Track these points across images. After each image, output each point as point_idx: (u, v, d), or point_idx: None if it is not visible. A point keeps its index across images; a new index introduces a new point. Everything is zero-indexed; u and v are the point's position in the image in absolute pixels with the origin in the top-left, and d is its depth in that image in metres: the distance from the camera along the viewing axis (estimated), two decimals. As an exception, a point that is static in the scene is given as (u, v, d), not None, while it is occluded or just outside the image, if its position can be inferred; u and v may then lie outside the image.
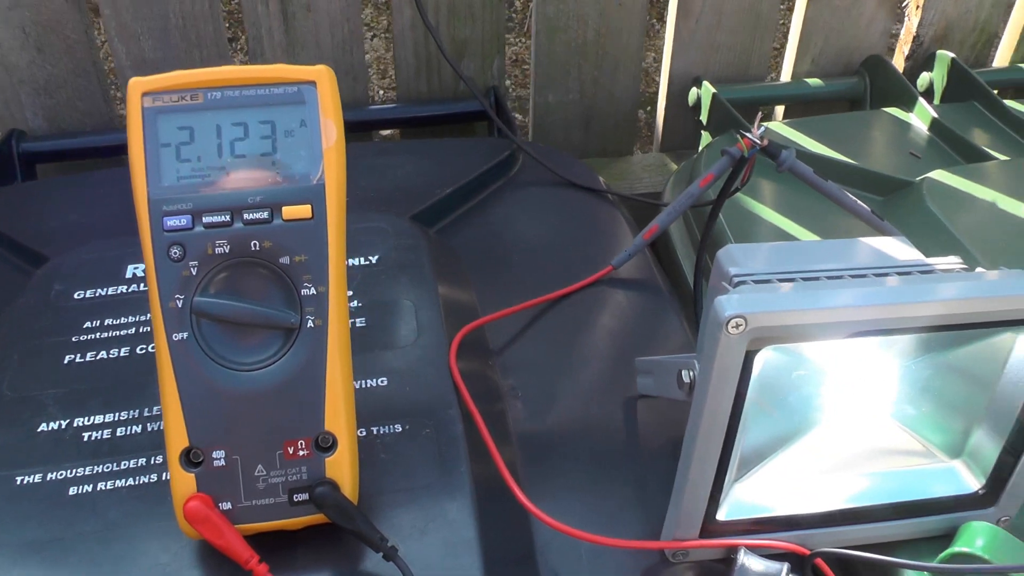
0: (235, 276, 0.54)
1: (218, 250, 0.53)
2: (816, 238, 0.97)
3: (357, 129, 1.23)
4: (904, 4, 1.37)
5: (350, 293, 0.77)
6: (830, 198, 0.91)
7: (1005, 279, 0.57)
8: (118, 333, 0.73)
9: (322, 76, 0.55)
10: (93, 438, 0.64)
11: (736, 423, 0.56)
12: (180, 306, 0.53)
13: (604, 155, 1.33)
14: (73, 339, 0.72)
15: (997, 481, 0.63)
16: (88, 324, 0.74)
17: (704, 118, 1.24)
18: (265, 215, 0.53)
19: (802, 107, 1.36)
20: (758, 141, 0.86)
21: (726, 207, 0.94)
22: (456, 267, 0.87)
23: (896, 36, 1.39)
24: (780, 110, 1.38)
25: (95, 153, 1.14)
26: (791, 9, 1.31)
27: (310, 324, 0.55)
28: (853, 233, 0.92)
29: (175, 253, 0.53)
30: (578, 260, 0.91)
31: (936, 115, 1.18)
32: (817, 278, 0.62)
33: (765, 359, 0.55)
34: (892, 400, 0.65)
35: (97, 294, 0.77)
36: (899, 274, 0.63)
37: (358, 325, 0.74)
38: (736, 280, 0.61)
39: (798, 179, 0.90)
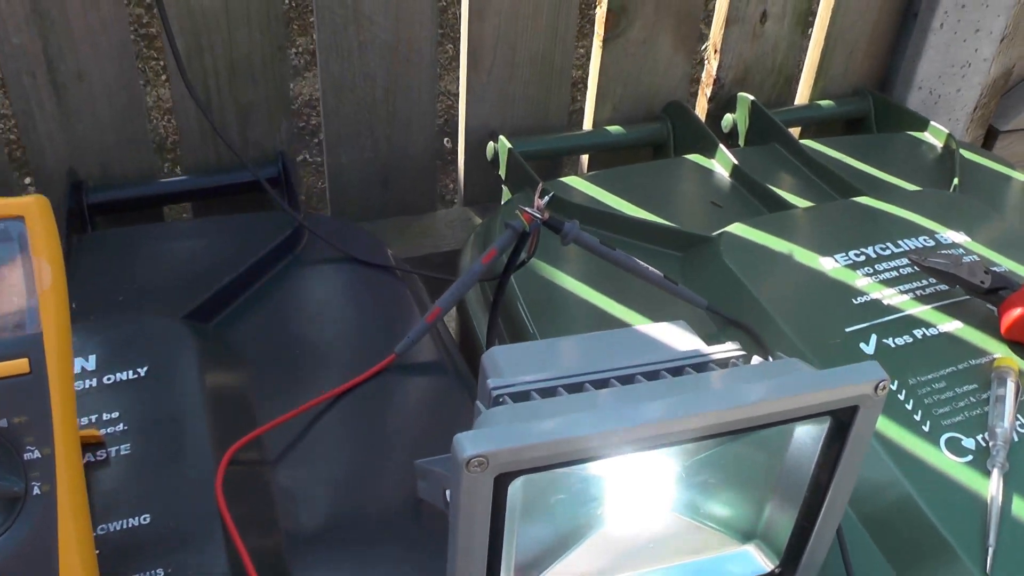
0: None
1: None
2: (612, 303, 0.93)
3: (144, 206, 1.14)
4: (703, 48, 1.35)
5: (115, 414, 0.69)
6: (620, 267, 0.87)
7: (775, 380, 0.53)
8: None
9: (32, 208, 0.47)
10: None
11: (498, 549, 0.51)
12: None
13: (405, 213, 1.27)
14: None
15: (791, 558, 0.61)
16: None
17: (503, 173, 1.20)
18: (-26, 374, 0.46)
19: (607, 155, 1.32)
20: (538, 216, 0.81)
21: (520, 274, 0.89)
22: (233, 370, 0.80)
23: (699, 79, 1.37)
24: (585, 159, 1.34)
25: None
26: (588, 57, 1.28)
27: (36, 491, 0.47)
28: (651, 295, 0.89)
29: None
30: (365, 346, 0.86)
31: (736, 162, 1.15)
32: (582, 385, 0.57)
33: (524, 480, 0.49)
34: (676, 493, 0.61)
35: None
36: (672, 371, 0.59)
37: (122, 453, 0.66)
38: (495, 393, 0.55)
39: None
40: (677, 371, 0.60)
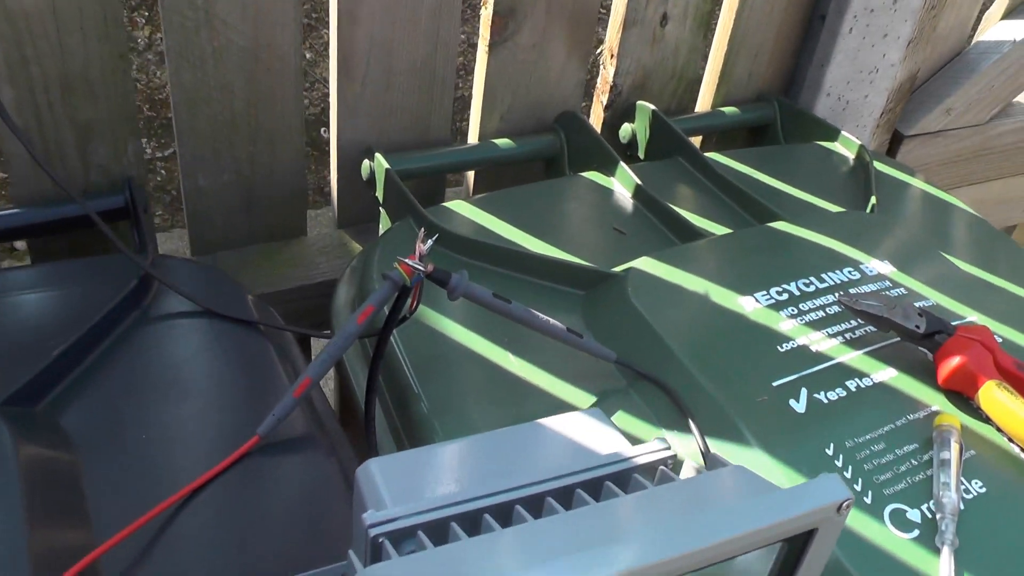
0: None
1: None
2: (510, 359, 0.81)
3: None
4: (599, 52, 1.24)
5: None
6: (519, 322, 0.75)
7: (719, 509, 0.42)
8: None
9: None
10: None
11: None
12: None
13: (273, 239, 1.13)
14: None
15: None
16: None
17: (380, 195, 1.07)
18: None
19: (496, 171, 1.21)
20: (420, 268, 0.69)
21: (405, 326, 0.77)
22: (63, 464, 0.66)
23: (594, 85, 1.26)
24: (472, 177, 1.22)
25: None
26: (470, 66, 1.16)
27: None
28: (555, 346, 0.77)
29: None
30: (226, 424, 0.74)
31: (639, 181, 1.05)
32: (479, 517, 0.45)
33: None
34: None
35: None
36: (588, 488, 0.48)
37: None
38: (373, 534, 0.43)
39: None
40: (595, 485, 0.48)
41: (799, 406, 0.75)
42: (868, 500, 0.69)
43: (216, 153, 1.04)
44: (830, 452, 0.71)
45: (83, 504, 0.65)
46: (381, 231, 1.10)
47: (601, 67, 1.23)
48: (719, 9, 1.26)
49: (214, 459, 0.68)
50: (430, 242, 0.72)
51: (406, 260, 0.70)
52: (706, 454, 0.72)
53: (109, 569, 0.60)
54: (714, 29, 1.28)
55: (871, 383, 0.77)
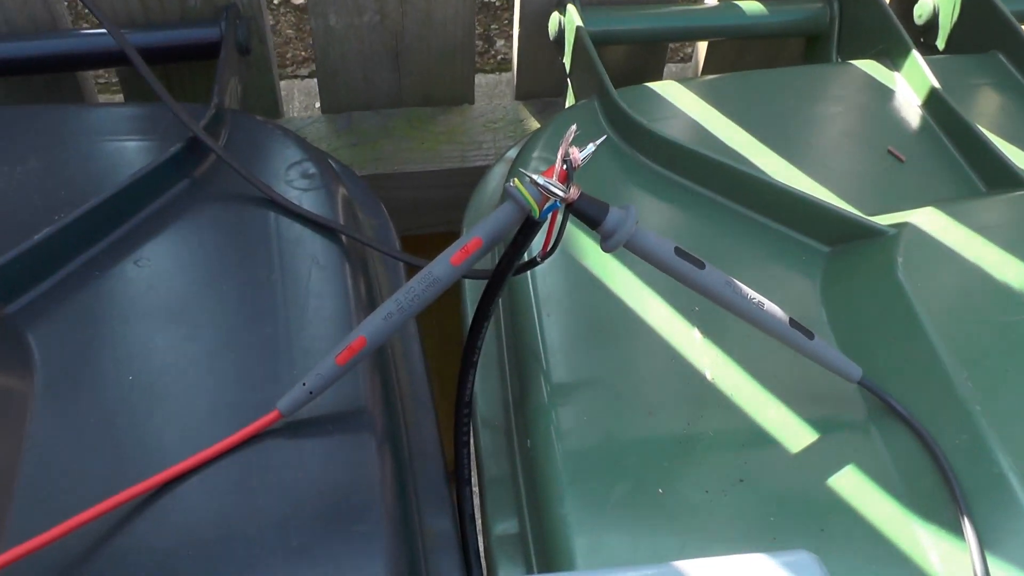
0: None
1: None
2: (697, 338, 0.53)
3: (48, 68, 0.79)
4: None
5: None
6: (712, 299, 0.47)
7: None
8: None
9: None
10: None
11: None
12: None
13: (428, 103, 0.87)
14: None
15: None
16: None
17: (567, 62, 0.78)
18: None
19: (737, 47, 0.89)
20: (559, 193, 0.41)
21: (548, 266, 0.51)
22: (21, 416, 0.48)
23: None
24: (701, 49, 0.90)
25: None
26: None
27: None
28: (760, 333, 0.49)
29: None
30: (252, 376, 0.51)
31: (935, 83, 0.71)
32: None
33: None
34: None
35: None
36: None
37: None
38: None
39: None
40: None
41: None
42: None
43: (353, -17, 0.79)
44: None
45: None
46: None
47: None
48: None
49: (221, 429, 0.48)
50: (591, 147, 0.43)
51: (537, 177, 0.42)
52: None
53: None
54: None
55: None
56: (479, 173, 0.75)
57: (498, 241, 0.46)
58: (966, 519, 0.45)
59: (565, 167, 0.42)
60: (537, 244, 0.47)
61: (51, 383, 0.49)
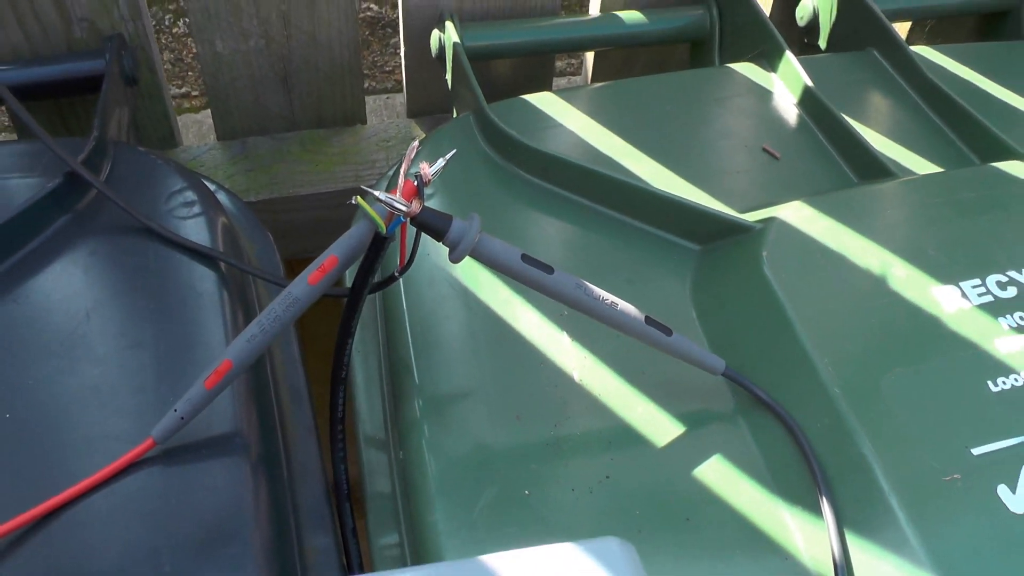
0: None
1: None
2: (567, 342, 0.54)
3: None
4: None
5: None
6: (561, 302, 0.48)
7: None
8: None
9: None
10: None
11: None
12: None
13: (322, 125, 0.88)
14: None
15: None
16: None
17: (449, 78, 0.79)
18: None
19: (622, 56, 0.90)
20: (402, 207, 0.42)
21: (410, 277, 0.51)
22: None
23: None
24: (591, 62, 0.92)
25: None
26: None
27: None
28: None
29: None
30: (131, 408, 0.51)
31: (808, 81, 0.73)
32: None
33: None
34: None
35: None
36: None
37: None
38: None
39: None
40: None
41: (1015, 500, 0.44)
42: None
43: (235, 8, 0.78)
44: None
45: None
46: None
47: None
48: None
49: (98, 461, 0.48)
50: (440, 163, 0.44)
51: (380, 194, 0.43)
52: (841, 559, 0.44)
53: None
54: None
55: None
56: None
57: (355, 258, 0.47)
58: (824, 499, 0.46)
59: (415, 182, 0.43)
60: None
61: None
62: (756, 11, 0.81)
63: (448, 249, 0.45)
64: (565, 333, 0.55)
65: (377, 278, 0.49)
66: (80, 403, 0.51)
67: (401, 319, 0.56)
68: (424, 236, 0.46)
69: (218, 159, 0.86)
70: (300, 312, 0.47)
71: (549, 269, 0.46)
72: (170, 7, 1.59)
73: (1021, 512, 0.44)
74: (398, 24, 0.86)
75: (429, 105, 0.90)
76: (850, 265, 0.56)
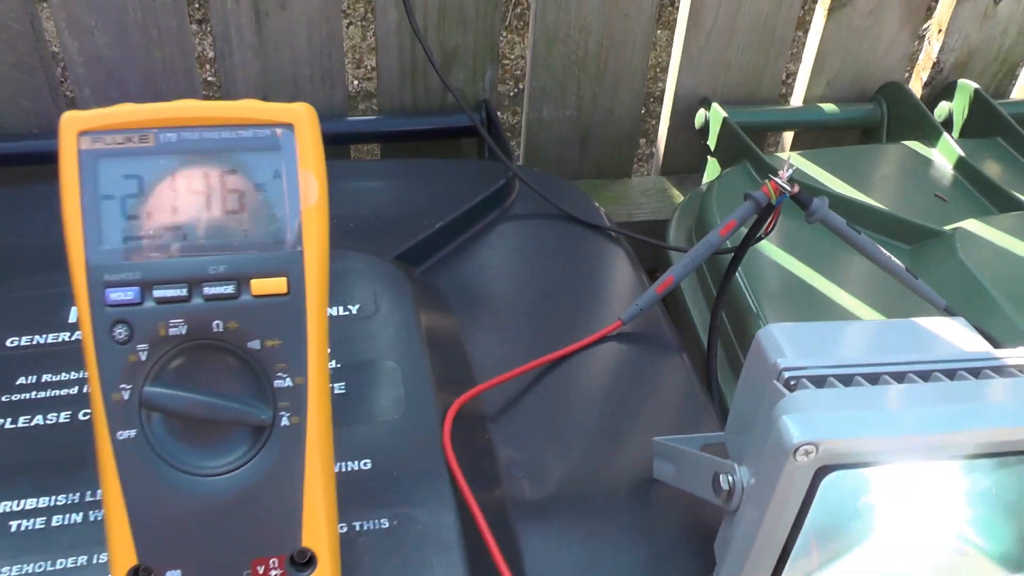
0: (194, 362, 0.44)
1: (172, 331, 0.43)
2: (838, 290, 0.89)
3: (334, 142, 1.13)
4: (925, 27, 1.28)
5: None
6: (863, 253, 0.82)
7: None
8: (58, 392, 0.62)
9: (302, 117, 0.44)
10: (23, 528, 0.54)
11: (791, 546, 0.48)
12: (127, 398, 0.43)
13: (600, 176, 1.24)
14: (3, 399, 0.62)
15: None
16: (22, 380, 0.63)
17: (712, 143, 1.15)
18: (230, 289, 0.43)
19: (811, 135, 1.27)
20: (787, 187, 0.77)
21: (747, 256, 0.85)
22: (447, 320, 0.77)
23: (915, 61, 1.31)
24: (788, 137, 1.29)
25: (40, 159, 1.02)
26: (807, 27, 1.22)
27: (285, 422, 0.45)
28: (879, 288, 0.84)
29: (120, 333, 0.43)
30: (581, 309, 0.82)
31: (962, 153, 1.09)
32: (879, 376, 0.53)
33: (837, 475, 0.46)
34: (963, 517, 0.57)
35: (34, 342, 0.66)
36: (970, 372, 0.55)
37: (336, 392, 0.64)
38: (788, 376, 0.52)
39: (828, 229, 0.82)
40: (975, 372, 0.55)
41: None
42: None
43: (563, 88, 1.16)
44: None
45: (463, 353, 0.74)
46: (706, 179, 1.19)
47: (926, 43, 1.27)
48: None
49: (575, 337, 0.75)
50: (792, 169, 0.80)
51: (775, 179, 0.78)
52: None
53: (490, 410, 0.69)
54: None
55: None
56: (642, 225, 1.12)
57: (745, 222, 0.82)
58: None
59: (787, 175, 0.79)
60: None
61: (461, 310, 0.83)
62: (919, 106, 1.18)
63: (807, 215, 0.81)
64: (840, 288, 0.90)
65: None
66: (556, 305, 0.81)
67: (739, 277, 0.91)
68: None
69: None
70: (711, 253, 0.81)
71: (858, 231, 0.82)
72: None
73: None
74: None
75: (678, 165, 1.26)
76: (1006, 252, 0.91)
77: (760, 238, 0.82)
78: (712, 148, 1.15)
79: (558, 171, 1.21)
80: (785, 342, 0.56)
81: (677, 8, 1.17)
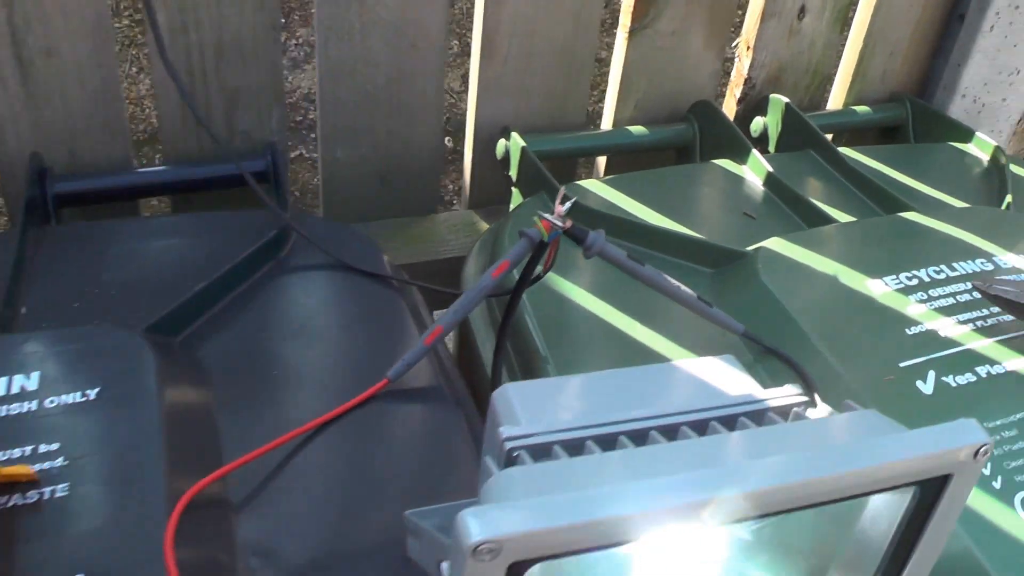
0: None
1: None
2: (635, 324, 0.83)
3: (117, 198, 1.04)
4: (734, 45, 1.25)
5: (55, 446, 0.58)
6: (650, 285, 0.77)
7: (856, 444, 0.43)
8: None
9: None
10: None
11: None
12: None
13: (404, 214, 1.17)
14: None
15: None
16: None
17: (513, 174, 1.09)
18: None
19: (627, 157, 1.22)
20: (559, 223, 0.71)
21: (532, 290, 0.79)
22: (200, 394, 0.70)
23: (728, 78, 1.27)
24: (602, 161, 1.24)
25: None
26: (610, 48, 1.18)
27: None
28: (679, 316, 0.79)
29: None
30: (354, 368, 0.76)
31: (771, 168, 1.05)
32: (616, 438, 0.47)
33: (543, 566, 0.39)
34: (726, 562, 0.51)
35: None
36: (724, 422, 0.49)
37: (57, 495, 0.56)
38: (509, 447, 0.45)
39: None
40: (730, 421, 0.50)
41: (926, 388, 0.74)
42: (997, 486, 0.68)
43: (355, 126, 1.09)
44: (957, 432, 0.71)
45: (214, 428, 0.67)
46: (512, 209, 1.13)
47: (736, 60, 1.24)
48: (856, 4, 1.25)
49: (342, 399, 0.70)
50: (568, 203, 0.74)
51: (546, 215, 0.72)
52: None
53: (236, 492, 0.63)
54: (851, 24, 1.27)
55: (1003, 370, 0.77)
56: (450, 262, 1.06)
57: (519, 262, 0.75)
58: (819, 400, 0.75)
59: (561, 210, 0.73)
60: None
61: (221, 379, 0.74)
62: (728, 124, 1.14)
63: (584, 250, 0.75)
64: (636, 320, 0.84)
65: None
66: (323, 366, 0.75)
67: (526, 315, 0.85)
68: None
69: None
70: (483, 297, 0.75)
71: (643, 263, 0.76)
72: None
73: (930, 394, 0.74)
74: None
75: (484, 199, 1.20)
76: (813, 271, 0.86)
77: (538, 277, 0.76)
78: (514, 179, 1.10)
79: (359, 212, 1.14)
80: (520, 404, 0.50)
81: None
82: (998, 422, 0.72)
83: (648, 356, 0.81)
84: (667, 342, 0.82)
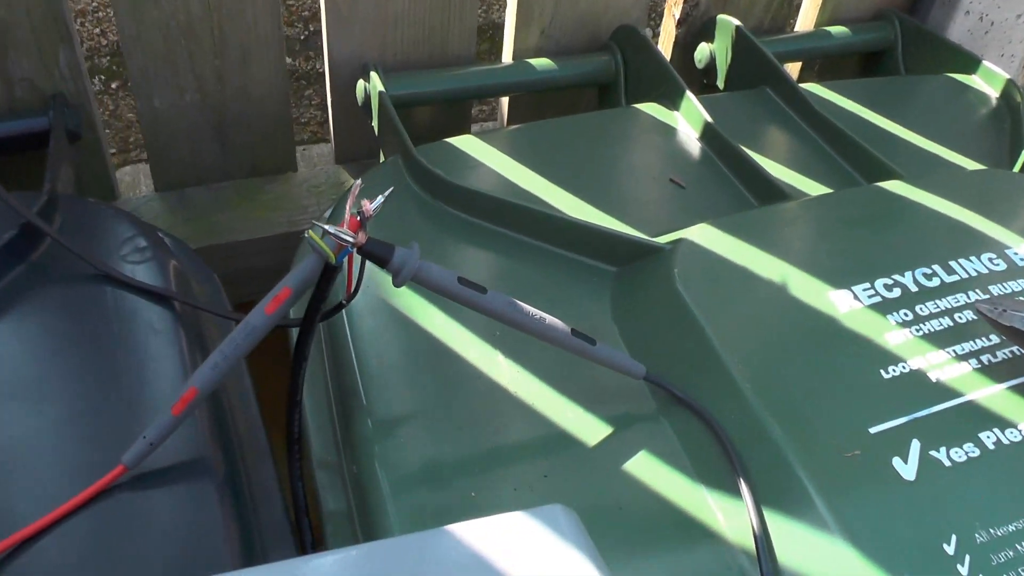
0: None
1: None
2: (501, 360, 0.58)
3: None
4: (671, -51, 0.98)
5: None
6: (496, 319, 0.52)
7: None
8: None
9: None
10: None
11: None
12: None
13: (256, 174, 0.92)
14: None
15: None
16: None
17: (375, 126, 0.84)
18: None
19: (535, 100, 0.96)
20: (348, 238, 0.46)
21: (352, 308, 0.55)
22: None
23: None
24: (505, 106, 0.98)
25: None
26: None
27: None
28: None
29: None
30: (95, 439, 0.54)
31: (709, 118, 0.80)
32: None
33: None
34: None
35: None
36: None
37: None
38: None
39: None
40: None
41: (907, 469, 0.50)
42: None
43: (173, 68, 0.83)
44: (950, 549, 0.47)
45: None
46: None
47: (675, -30, 0.98)
48: None
49: (71, 490, 0.50)
50: (380, 199, 0.49)
51: (329, 227, 0.47)
52: (761, 532, 0.49)
53: None
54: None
55: (1020, 437, 0.52)
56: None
57: (306, 289, 0.51)
58: (742, 481, 0.51)
59: (358, 216, 0.48)
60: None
61: None
62: (656, 56, 0.88)
63: (392, 276, 0.50)
64: (499, 351, 0.59)
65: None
66: (50, 438, 0.54)
67: (347, 346, 0.60)
68: (368, 268, 0.50)
69: (157, 209, 0.89)
70: (258, 340, 0.51)
71: (483, 289, 0.51)
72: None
73: (912, 479, 0.49)
74: (314, 76, 0.91)
75: (356, 151, 0.95)
76: (752, 276, 0.62)
77: (338, 308, 0.52)
78: (377, 133, 0.84)
79: (197, 174, 0.90)
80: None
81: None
82: (1012, 526, 0.48)
83: (509, 408, 0.56)
84: (542, 385, 0.58)
